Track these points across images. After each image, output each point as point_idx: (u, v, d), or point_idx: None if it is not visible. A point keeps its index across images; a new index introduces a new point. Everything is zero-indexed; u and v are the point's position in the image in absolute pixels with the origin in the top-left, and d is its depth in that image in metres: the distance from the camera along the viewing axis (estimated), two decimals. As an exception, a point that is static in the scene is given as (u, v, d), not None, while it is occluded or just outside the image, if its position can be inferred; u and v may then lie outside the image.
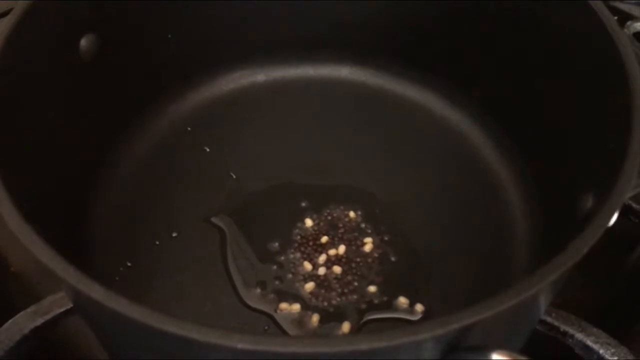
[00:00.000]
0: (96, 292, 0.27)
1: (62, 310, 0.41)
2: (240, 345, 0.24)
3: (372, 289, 0.41)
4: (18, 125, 0.37)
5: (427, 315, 0.40)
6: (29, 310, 0.42)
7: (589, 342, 0.40)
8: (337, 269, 0.42)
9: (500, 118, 0.47)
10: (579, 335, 0.40)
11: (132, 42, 0.45)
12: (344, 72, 0.53)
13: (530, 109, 0.43)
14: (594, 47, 0.35)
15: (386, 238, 0.44)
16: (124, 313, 0.26)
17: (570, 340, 0.41)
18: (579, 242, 0.26)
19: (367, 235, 0.44)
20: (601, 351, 0.40)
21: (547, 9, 0.40)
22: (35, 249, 0.29)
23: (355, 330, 0.40)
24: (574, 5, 0.37)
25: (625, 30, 0.58)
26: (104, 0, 0.41)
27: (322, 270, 0.42)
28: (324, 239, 0.43)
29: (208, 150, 0.49)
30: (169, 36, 0.47)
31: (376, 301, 0.41)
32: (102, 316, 0.31)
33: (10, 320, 0.41)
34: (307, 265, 0.42)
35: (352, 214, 0.45)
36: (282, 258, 0.43)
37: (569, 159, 0.38)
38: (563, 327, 0.41)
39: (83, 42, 0.41)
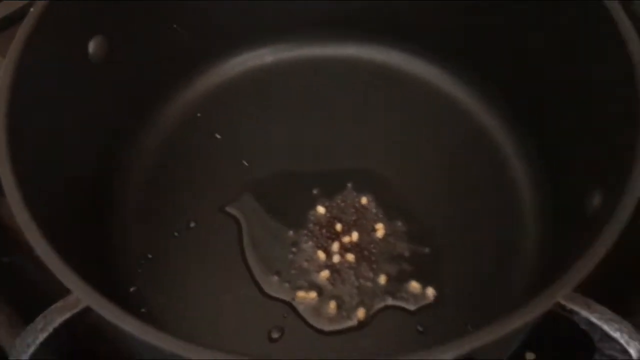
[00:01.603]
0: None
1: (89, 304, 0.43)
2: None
3: (384, 274, 0.43)
4: (34, 123, 0.38)
5: (438, 299, 0.42)
6: (57, 304, 0.43)
7: (594, 319, 0.42)
8: (350, 256, 0.43)
9: (509, 99, 0.47)
10: (584, 313, 0.42)
11: (138, 38, 0.45)
12: (350, 50, 0.53)
13: (538, 94, 0.43)
14: (602, 44, 0.35)
15: (399, 223, 0.45)
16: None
17: (576, 317, 0.43)
18: (589, 257, 0.27)
19: (379, 220, 0.45)
20: (605, 327, 0.42)
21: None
22: (51, 265, 0.31)
23: (369, 317, 0.41)
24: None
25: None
26: (108, 1, 0.41)
27: (336, 258, 0.43)
28: (338, 226, 0.45)
29: (219, 137, 0.50)
30: (175, 26, 0.47)
31: (389, 287, 0.42)
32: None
33: (40, 315, 0.43)
34: (321, 255, 0.43)
35: (363, 199, 0.46)
36: (297, 247, 0.44)
37: (577, 153, 0.38)
38: (569, 306, 0.42)
39: (91, 45, 0.41)
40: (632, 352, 0.38)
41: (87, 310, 0.43)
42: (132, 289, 0.43)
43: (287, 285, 0.43)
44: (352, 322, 0.41)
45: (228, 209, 0.46)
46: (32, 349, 0.39)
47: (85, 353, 0.43)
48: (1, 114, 0.34)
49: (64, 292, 0.42)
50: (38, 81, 0.37)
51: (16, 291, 0.45)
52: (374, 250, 0.44)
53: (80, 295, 0.30)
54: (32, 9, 0.36)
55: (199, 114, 0.51)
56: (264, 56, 0.53)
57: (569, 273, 0.27)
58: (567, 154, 0.40)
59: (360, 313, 0.41)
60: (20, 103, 0.35)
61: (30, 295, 0.45)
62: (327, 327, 0.41)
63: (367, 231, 0.45)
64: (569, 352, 0.41)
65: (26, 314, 0.44)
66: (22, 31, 0.36)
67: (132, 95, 0.47)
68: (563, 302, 0.43)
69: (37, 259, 0.49)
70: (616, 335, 0.39)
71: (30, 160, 0.36)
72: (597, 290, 0.43)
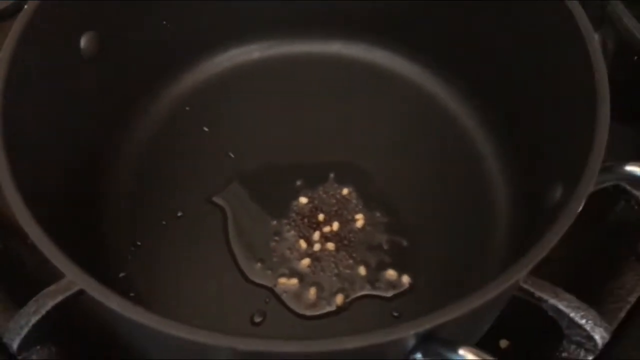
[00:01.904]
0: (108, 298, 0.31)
1: (80, 287, 0.45)
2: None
3: (363, 263, 0.45)
4: (27, 116, 0.40)
5: (413, 287, 0.44)
6: (50, 288, 0.45)
7: (561, 307, 0.44)
8: (330, 245, 0.45)
9: (485, 98, 0.49)
10: (553, 301, 0.44)
11: (129, 33, 0.47)
12: (335, 47, 0.55)
13: (509, 93, 0.45)
14: (563, 44, 0.37)
15: (378, 214, 0.47)
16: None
17: (545, 304, 0.45)
18: (545, 243, 0.29)
19: (359, 211, 0.47)
20: (572, 314, 0.44)
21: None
22: (46, 251, 0.33)
23: (347, 303, 0.43)
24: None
25: None
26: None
27: (317, 247, 0.45)
28: (320, 216, 0.47)
29: (207, 130, 0.51)
30: (164, 22, 0.49)
31: (367, 274, 0.44)
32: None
33: (32, 299, 0.45)
34: (303, 244, 0.45)
35: (344, 191, 0.48)
36: (279, 236, 0.46)
37: (543, 149, 0.40)
38: (538, 294, 0.44)
39: (83, 40, 0.43)
40: (597, 338, 0.40)
41: (79, 294, 0.45)
42: (121, 275, 0.44)
43: (269, 272, 0.45)
44: (331, 308, 0.43)
45: (214, 199, 0.48)
46: (25, 331, 0.41)
47: (76, 335, 0.45)
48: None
49: (56, 277, 0.44)
50: (32, 76, 0.39)
51: (10, 276, 0.47)
52: (353, 240, 0.46)
53: (74, 279, 0.32)
54: (26, 6, 0.38)
55: (187, 108, 0.52)
56: (251, 52, 0.55)
57: (526, 257, 0.29)
58: (535, 150, 0.42)
59: (339, 299, 0.43)
60: (15, 97, 0.37)
61: (24, 280, 0.47)
62: (307, 312, 0.43)
63: (347, 221, 0.47)
64: (541, 338, 0.43)
65: (20, 299, 0.45)
66: (16, 28, 0.37)
67: (122, 89, 0.49)
68: (531, 288, 0.45)
69: (31, 245, 0.51)
70: (582, 322, 0.41)
71: (24, 152, 0.37)
72: (568, 280, 0.45)
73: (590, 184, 0.30)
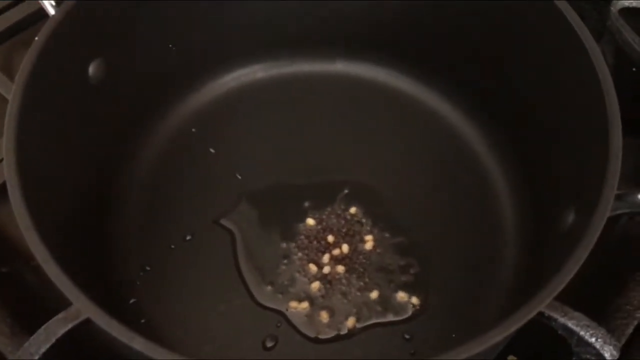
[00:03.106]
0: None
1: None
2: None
3: (373, 284, 0.45)
4: (36, 143, 0.40)
5: (424, 308, 0.44)
6: (59, 316, 0.45)
7: (570, 325, 0.44)
8: (340, 268, 0.46)
9: (490, 114, 0.49)
10: (562, 320, 0.44)
11: (136, 58, 0.47)
12: (337, 67, 0.55)
13: (516, 115, 0.46)
14: (575, 70, 0.37)
15: (387, 235, 0.47)
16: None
17: (554, 323, 0.45)
18: (565, 272, 0.30)
19: (368, 232, 0.47)
20: (581, 333, 0.44)
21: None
22: (55, 280, 0.32)
23: (359, 326, 0.43)
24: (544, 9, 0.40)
25: (612, 8, 0.59)
26: (108, 25, 0.43)
27: (326, 270, 0.45)
28: (329, 238, 0.47)
29: (213, 151, 0.51)
30: (170, 46, 0.49)
31: (378, 297, 0.45)
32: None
33: (42, 327, 0.44)
34: (313, 267, 0.45)
35: (352, 211, 0.48)
36: (288, 258, 0.46)
37: (553, 172, 0.41)
38: (548, 313, 0.45)
39: (92, 67, 0.43)
40: (607, 355, 0.40)
41: (88, 322, 0.45)
42: (131, 301, 0.44)
43: (280, 295, 0.45)
44: (343, 331, 0.43)
45: (222, 221, 0.48)
46: (35, 359, 0.40)
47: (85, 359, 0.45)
48: (11, 136, 0.35)
49: (62, 301, 0.44)
50: (43, 104, 0.39)
51: (16, 300, 0.46)
52: (363, 262, 0.46)
53: (81, 308, 0.32)
54: (37, 38, 0.38)
55: (193, 129, 0.52)
56: (256, 73, 0.55)
57: (547, 288, 0.30)
58: (544, 173, 0.43)
59: (351, 322, 0.44)
60: (27, 125, 0.37)
61: (29, 303, 0.47)
62: (320, 336, 0.43)
63: (356, 243, 0.47)
64: (549, 356, 0.43)
65: (25, 323, 0.45)
66: (29, 58, 0.37)
67: (129, 112, 0.49)
68: (542, 309, 0.45)
69: (36, 268, 0.51)
70: (592, 340, 0.41)
71: (35, 178, 0.37)
72: (573, 295, 0.46)
73: (604, 214, 0.31)
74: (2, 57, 0.57)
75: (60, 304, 0.42)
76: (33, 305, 0.46)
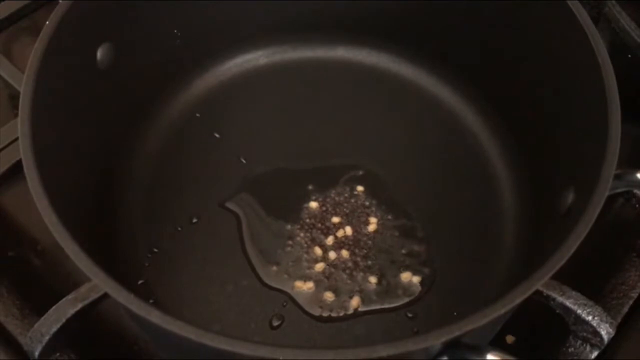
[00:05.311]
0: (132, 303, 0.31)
1: (99, 295, 0.46)
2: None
3: (376, 266, 0.46)
4: (47, 128, 0.41)
5: (427, 288, 0.45)
6: (69, 297, 0.46)
7: (568, 304, 0.45)
8: (344, 250, 0.47)
9: (490, 98, 0.50)
10: (560, 299, 0.46)
11: (142, 43, 0.47)
12: (339, 52, 0.56)
13: (518, 98, 0.46)
14: (573, 51, 0.38)
15: (389, 217, 0.48)
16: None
17: (552, 302, 0.46)
18: (564, 250, 0.31)
19: (371, 214, 0.48)
20: (579, 311, 0.45)
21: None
22: (74, 256, 0.33)
23: (363, 305, 0.45)
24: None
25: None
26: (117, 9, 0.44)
27: (331, 252, 0.46)
28: (332, 220, 0.48)
29: (218, 136, 0.52)
30: (175, 31, 0.50)
31: (381, 277, 0.46)
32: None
33: (53, 307, 0.45)
34: (317, 249, 0.46)
35: (355, 194, 0.49)
36: (293, 240, 0.47)
37: (552, 153, 0.42)
38: (546, 292, 0.46)
39: (99, 52, 0.43)
40: (603, 333, 0.41)
41: (99, 301, 0.46)
42: (140, 282, 0.45)
43: (285, 276, 0.46)
44: (348, 311, 0.44)
45: (228, 204, 0.49)
46: (46, 339, 0.41)
47: (94, 341, 0.46)
48: (25, 122, 0.36)
49: (67, 284, 0.45)
50: (54, 90, 0.40)
51: (23, 283, 0.47)
52: (367, 243, 0.47)
53: (101, 283, 0.33)
54: (47, 23, 0.39)
55: (197, 114, 0.53)
56: (259, 59, 0.56)
57: (547, 265, 0.31)
58: (544, 155, 0.44)
59: (355, 302, 0.45)
60: (39, 111, 0.38)
61: (35, 287, 0.48)
62: (324, 315, 0.44)
63: (359, 225, 0.48)
64: (546, 334, 0.45)
65: (32, 306, 0.46)
66: (39, 45, 0.38)
67: (134, 97, 0.49)
68: (540, 287, 0.46)
69: (41, 253, 0.52)
70: (589, 318, 0.42)
71: (47, 163, 0.38)
72: (571, 276, 0.47)
73: (604, 193, 0.32)
74: (4, 43, 0.58)
75: (65, 287, 0.44)
76: (38, 289, 0.47)
